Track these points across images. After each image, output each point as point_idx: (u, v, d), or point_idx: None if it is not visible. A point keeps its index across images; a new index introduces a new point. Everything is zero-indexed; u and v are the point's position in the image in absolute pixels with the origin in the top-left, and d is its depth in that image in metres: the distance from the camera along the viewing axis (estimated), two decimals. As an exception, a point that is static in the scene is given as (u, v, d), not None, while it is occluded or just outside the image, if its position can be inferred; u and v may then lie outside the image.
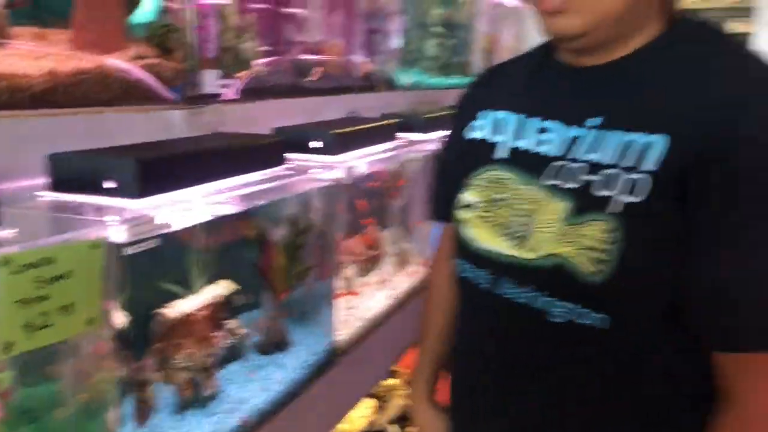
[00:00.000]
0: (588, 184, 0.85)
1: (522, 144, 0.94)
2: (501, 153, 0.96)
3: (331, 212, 1.62)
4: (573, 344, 0.88)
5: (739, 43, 0.87)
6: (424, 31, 2.66)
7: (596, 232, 0.82)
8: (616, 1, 0.82)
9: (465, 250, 0.98)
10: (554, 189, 0.87)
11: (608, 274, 0.81)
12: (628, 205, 0.80)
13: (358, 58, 2.07)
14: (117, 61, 1.13)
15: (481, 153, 0.99)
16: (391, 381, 2.69)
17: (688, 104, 0.81)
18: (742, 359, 0.82)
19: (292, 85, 1.71)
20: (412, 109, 2.45)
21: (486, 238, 0.94)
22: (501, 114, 0.99)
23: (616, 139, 0.84)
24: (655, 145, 0.80)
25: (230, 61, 1.47)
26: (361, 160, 1.59)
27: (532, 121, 0.94)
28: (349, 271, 1.97)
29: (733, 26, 7.31)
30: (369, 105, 2.21)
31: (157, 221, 0.99)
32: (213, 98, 1.38)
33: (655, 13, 0.87)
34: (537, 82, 0.99)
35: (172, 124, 1.35)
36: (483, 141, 1.00)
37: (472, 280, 0.97)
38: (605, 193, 0.83)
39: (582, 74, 0.92)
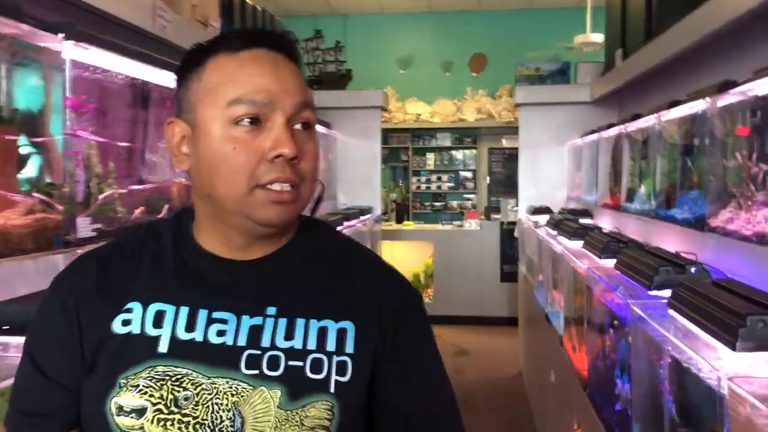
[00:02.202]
0: (297, 368, 0.89)
1: (195, 336, 0.90)
2: (165, 347, 0.89)
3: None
4: None
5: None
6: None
7: (320, 412, 0.88)
8: (309, 196, 0.94)
9: None
10: (258, 377, 0.88)
11: None
12: (340, 384, 0.89)
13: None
14: (13, 218, 1.34)
15: (138, 348, 0.89)
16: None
17: (355, 294, 0.96)
18: None
19: (145, 223, 1.95)
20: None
21: None
22: (160, 306, 0.92)
23: (307, 326, 0.92)
24: (348, 332, 0.93)
25: (95, 206, 1.70)
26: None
27: (201, 312, 0.91)
28: None
29: (507, 141, 8.52)
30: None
31: None
32: (86, 241, 1.60)
33: None
34: (189, 272, 0.95)
35: (57, 267, 1.53)
36: (138, 335, 0.90)
37: None
38: (316, 376, 0.89)
39: (242, 267, 0.95)
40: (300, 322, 0.91)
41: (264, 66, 0.90)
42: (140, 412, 0.86)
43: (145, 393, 0.86)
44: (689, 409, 1.32)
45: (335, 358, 0.90)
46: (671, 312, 1.46)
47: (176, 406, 0.86)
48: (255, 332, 0.90)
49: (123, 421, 0.86)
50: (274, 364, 0.88)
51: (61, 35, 1.51)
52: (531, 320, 4.22)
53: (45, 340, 0.93)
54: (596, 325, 2.18)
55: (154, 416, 0.86)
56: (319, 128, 4.04)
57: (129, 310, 0.91)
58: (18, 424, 0.93)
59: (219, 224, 0.93)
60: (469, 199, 9.22)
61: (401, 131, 9.02)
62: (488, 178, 8.95)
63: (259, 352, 0.88)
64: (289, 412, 0.86)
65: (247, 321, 0.90)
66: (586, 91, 4.55)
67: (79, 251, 1.59)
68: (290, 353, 0.89)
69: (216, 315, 0.90)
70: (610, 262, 2.15)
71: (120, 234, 1.03)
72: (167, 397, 0.86)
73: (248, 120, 0.87)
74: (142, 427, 0.85)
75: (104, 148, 1.75)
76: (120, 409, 0.86)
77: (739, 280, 1.57)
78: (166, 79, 2.00)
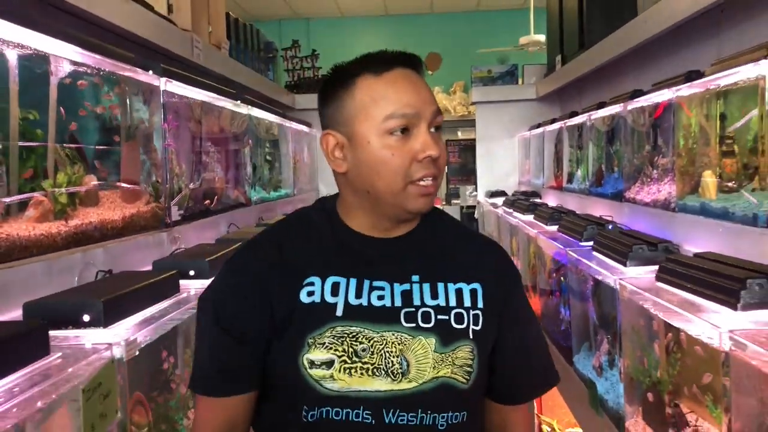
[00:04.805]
0: (445, 321, 1.08)
1: (362, 302, 1.07)
2: (341, 311, 1.06)
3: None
4: None
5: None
6: (260, 157, 3.58)
7: (465, 353, 1.08)
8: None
9: (331, 400, 1.03)
10: (416, 329, 1.06)
11: (473, 382, 1.09)
12: (476, 332, 1.10)
13: (231, 186, 2.96)
14: (141, 206, 1.94)
15: (321, 314, 1.06)
16: None
17: (475, 262, 1.16)
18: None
19: (205, 209, 2.55)
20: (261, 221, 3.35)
21: (360, 383, 1.03)
22: (335, 278, 1.09)
23: (446, 288, 1.11)
24: (478, 291, 1.13)
25: (179, 197, 2.30)
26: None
27: (365, 282, 1.09)
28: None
29: (462, 133, 9.19)
30: (243, 218, 3.07)
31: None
32: (177, 223, 2.20)
33: None
34: (348, 250, 1.13)
35: (163, 241, 2.13)
36: (320, 303, 1.07)
37: (346, 423, 1.03)
38: (460, 326, 1.09)
39: (388, 243, 1.13)
40: (440, 285, 1.11)
41: (406, 84, 1.07)
42: (329, 364, 1.04)
43: (331, 348, 1.04)
44: (603, 315, 2.01)
45: (471, 312, 1.10)
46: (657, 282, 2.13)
47: (356, 356, 1.04)
48: (406, 295, 1.09)
49: (315, 372, 1.03)
50: (426, 318, 1.08)
51: (151, 72, 2.10)
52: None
53: (237, 312, 1.08)
54: (545, 273, 2.88)
55: (340, 366, 1.04)
56: (300, 127, 4.65)
57: (311, 284, 1.08)
58: (213, 381, 1.08)
59: (371, 212, 1.12)
60: (429, 188, 9.88)
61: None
62: (447, 167, 9.65)
63: (413, 309, 1.08)
64: (443, 355, 1.06)
65: (398, 287, 1.09)
66: (532, 90, 5.26)
67: (175, 230, 2.20)
68: (438, 309, 1.09)
69: (375, 284, 1.09)
70: (555, 228, 2.83)
71: (277, 223, 1.23)
72: (348, 350, 1.04)
73: (400, 130, 1.05)
74: (332, 376, 1.03)
75: (179, 155, 2.35)
76: (312, 363, 1.04)
77: (647, 233, 2.26)
78: (202, 96, 2.58)
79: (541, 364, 1.22)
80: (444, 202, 7.93)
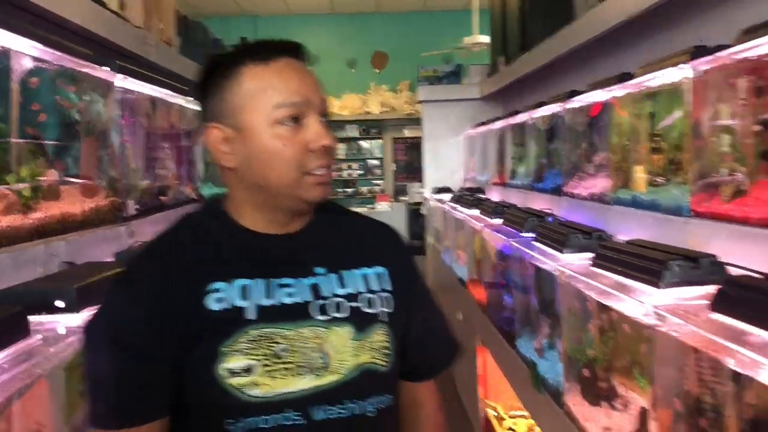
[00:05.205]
0: (356, 308, 1.08)
1: (273, 302, 1.04)
2: (254, 314, 1.02)
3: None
4: (385, 426, 1.10)
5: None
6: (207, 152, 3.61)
7: (381, 337, 1.09)
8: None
9: (255, 408, 0.99)
10: (330, 321, 1.06)
11: (392, 364, 1.10)
12: (388, 314, 1.11)
13: (183, 182, 3.00)
14: (100, 201, 1.98)
15: (232, 319, 1.01)
16: None
17: (375, 246, 1.19)
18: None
19: (160, 204, 2.59)
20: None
21: (284, 385, 1.00)
22: (242, 281, 1.04)
23: (352, 275, 1.12)
24: (384, 274, 1.15)
25: (136, 192, 2.34)
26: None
27: (272, 281, 1.05)
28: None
29: (408, 132, 9.33)
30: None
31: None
32: (134, 217, 2.25)
33: None
34: (249, 250, 1.08)
35: (120, 234, 2.17)
36: (229, 309, 1.02)
37: (276, 429, 1.00)
38: (372, 310, 1.10)
39: (287, 240, 1.11)
40: (346, 274, 1.11)
41: (294, 72, 1.05)
42: (249, 370, 0.99)
43: (248, 354, 0.99)
44: (543, 300, 2.15)
45: (381, 295, 1.12)
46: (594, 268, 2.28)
47: (277, 357, 1.01)
48: (315, 288, 1.07)
49: (235, 380, 0.98)
50: (338, 308, 1.07)
51: (108, 69, 2.13)
52: (440, 281, 5.07)
53: (137, 330, 0.99)
54: (489, 264, 3.02)
55: (263, 370, 0.99)
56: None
57: (217, 290, 1.02)
58: (119, 412, 0.98)
59: (265, 207, 1.08)
60: (377, 185, 10.04)
61: (311, 124, 9.66)
62: (394, 164, 9.80)
63: (324, 301, 1.07)
64: (360, 342, 1.07)
65: (305, 282, 1.07)
66: (476, 89, 5.43)
67: (133, 224, 2.24)
68: (348, 297, 1.09)
69: (283, 281, 1.06)
70: (499, 221, 2.97)
71: (165, 231, 1.12)
72: (268, 353, 1.00)
73: (291, 120, 1.03)
74: (254, 382, 0.99)
75: (134, 150, 2.39)
76: (230, 372, 0.98)
77: (584, 224, 2.41)
78: (156, 92, 2.62)
79: (445, 337, 1.26)
80: (392, 199, 8.08)
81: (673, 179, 1.85)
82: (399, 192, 8.33)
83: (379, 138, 10.03)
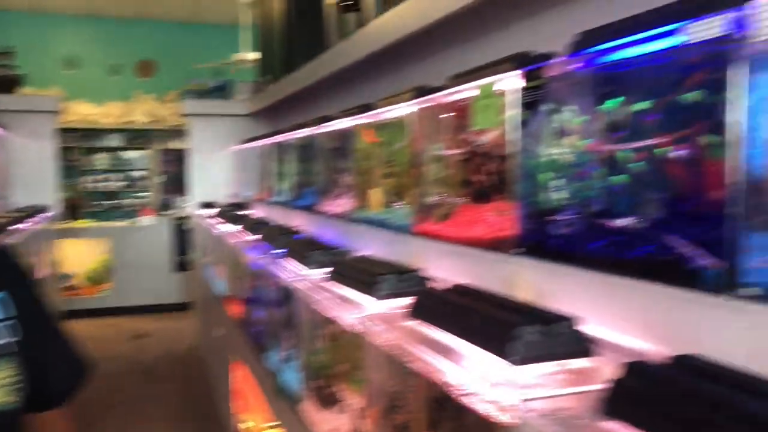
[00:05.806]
0: None
1: None
2: None
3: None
4: None
5: None
6: None
7: (11, 371, 0.99)
8: None
9: None
10: None
11: (23, 397, 1.01)
12: (18, 343, 1.02)
13: None
14: None
15: None
16: None
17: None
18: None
19: None
20: None
21: None
22: None
23: None
24: (6, 299, 1.05)
25: None
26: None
27: None
28: None
29: (173, 143, 9.08)
30: None
31: None
32: None
33: None
34: None
35: None
36: None
37: None
38: (2, 341, 1.00)
39: None
40: None
41: None
42: None
43: None
44: (286, 312, 2.28)
45: (7, 323, 1.03)
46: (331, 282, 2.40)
47: None
48: None
49: None
50: None
51: None
52: (204, 297, 5.02)
53: None
54: (244, 279, 3.09)
55: None
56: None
57: None
58: None
59: None
60: (142, 197, 9.58)
61: (70, 131, 8.99)
62: (162, 177, 9.44)
63: None
64: None
65: None
66: (244, 105, 5.48)
67: None
68: None
69: None
70: (259, 237, 3.06)
71: None
72: None
73: None
74: None
75: None
76: None
77: (332, 240, 2.58)
78: None
79: (70, 359, 1.20)
80: (158, 213, 7.78)
81: (402, 201, 2.07)
82: (165, 206, 8.06)
83: (144, 148, 9.61)
